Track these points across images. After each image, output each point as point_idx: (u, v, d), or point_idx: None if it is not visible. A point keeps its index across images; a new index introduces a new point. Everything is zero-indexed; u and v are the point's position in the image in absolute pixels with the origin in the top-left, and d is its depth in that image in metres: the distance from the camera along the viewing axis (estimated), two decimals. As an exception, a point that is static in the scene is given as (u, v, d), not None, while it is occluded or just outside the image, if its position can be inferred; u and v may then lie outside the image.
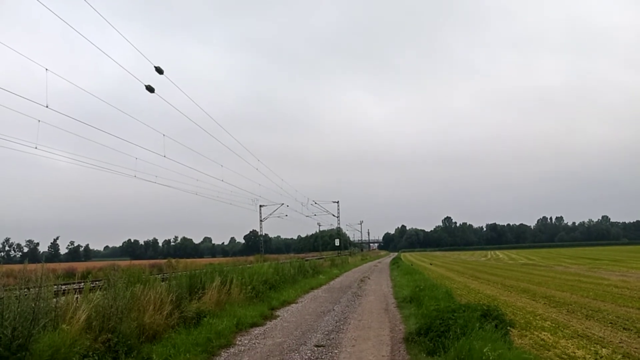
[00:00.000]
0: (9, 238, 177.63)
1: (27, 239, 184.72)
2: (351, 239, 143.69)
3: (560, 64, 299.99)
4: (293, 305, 16.24)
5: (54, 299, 7.41)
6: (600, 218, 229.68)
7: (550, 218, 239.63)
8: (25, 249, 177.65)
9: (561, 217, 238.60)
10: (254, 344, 9.75)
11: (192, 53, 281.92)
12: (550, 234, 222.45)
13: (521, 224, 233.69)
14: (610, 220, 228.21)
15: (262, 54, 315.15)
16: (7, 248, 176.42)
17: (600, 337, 9.37)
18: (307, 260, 37.81)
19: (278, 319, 13.15)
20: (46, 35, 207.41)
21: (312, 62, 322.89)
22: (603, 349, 8.29)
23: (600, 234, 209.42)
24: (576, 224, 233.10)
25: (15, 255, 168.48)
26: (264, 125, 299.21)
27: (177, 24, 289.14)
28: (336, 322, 12.25)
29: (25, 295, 6.44)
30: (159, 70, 15.12)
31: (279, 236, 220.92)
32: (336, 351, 8.90)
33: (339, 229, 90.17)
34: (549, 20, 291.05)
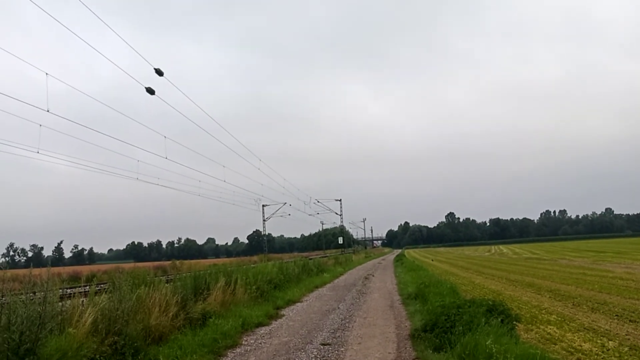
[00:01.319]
0: (13, 243, 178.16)
1: (32, 244, 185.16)
2: (354, 237, 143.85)
3: (560, 54, 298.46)
4: (298, 304, 16.25)
5: (60, 303, 7.42)
6: (604, 210, 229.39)
7: (554, 212, 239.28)
8: (30, 254, 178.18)
9: (564, 211, 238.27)
10: (260, 343, 9.77)
11: (185, 52, 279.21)
12: (553, 228, 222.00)
13: (524, 218, 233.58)
14: (614, 212, 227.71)
15: (257, 50, 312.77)
16: (11, 253, 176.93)
17: (606, 329, 9.36)
18: (311, 259, 37.82)
19: (283, 318, 13.16)
20: (38, 36, 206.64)
21: (307, 57, 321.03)
22: (610, 342, 8.28)
23: (604, 226, 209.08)
24: (580, 217, 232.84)
25: (19, 260, 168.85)
26: (261, 123, 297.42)
27: (169, 21, 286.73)
28: (342, 320, 12.26)
29: (32, 299, 6.46)
30: (159, 72, 15.12)
31: (282, 235, 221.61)
32: (342, 349, 8.91)
33: (342, 227, 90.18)
34: (546, 10, 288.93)
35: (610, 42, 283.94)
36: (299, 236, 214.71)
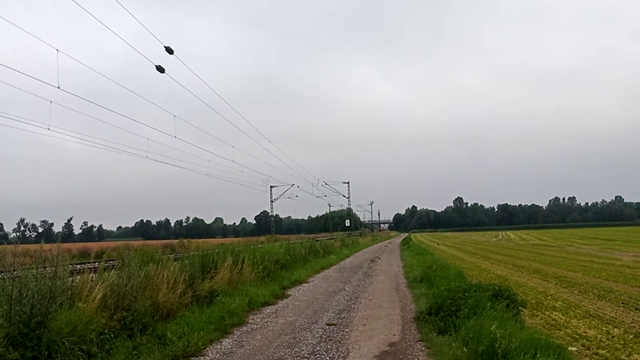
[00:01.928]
0: (24, 218, 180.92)
1: (42, 220, 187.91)
2: (361, 220, 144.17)
3: (572, 40, 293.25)
4: (304, 284, 16.39)
5: (70, 278, 7.53)
6: (614, 198, 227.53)
7: (563, 198, 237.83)
8: (40, 229, 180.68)
9: (574, 198, 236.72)
10: (266, 322, 9.88)
11: (191, 29, 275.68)
12: (562, 215, 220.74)
13: (533, 205, 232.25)
14: (624, 200, 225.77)
15: (264, 29, 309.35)
16: (22, 228, 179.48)
17: (612, 317, 9.35)
18: (317, 240, 38.01)
19: (289, 298, 13.29)
20: (46, 13, 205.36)
21: (316, 37, 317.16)
22: (615, 329, 8.28)
23: (613, 214, 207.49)
24: (589, 205, 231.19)
25: (30, 236, 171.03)
26: (268, 103, 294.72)
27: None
28: (347, 302, 12.35)
29: (42, 274, 6.55)
30: (169, 51, 15.01)
31: (290, 217, 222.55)
32: (347, 330, 8.99)
33: (349, 210, 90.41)
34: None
35: (624, 27, 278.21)
36: (306, 218, 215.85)
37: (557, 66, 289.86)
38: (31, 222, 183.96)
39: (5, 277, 6.16)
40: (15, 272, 6.23)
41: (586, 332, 8.07)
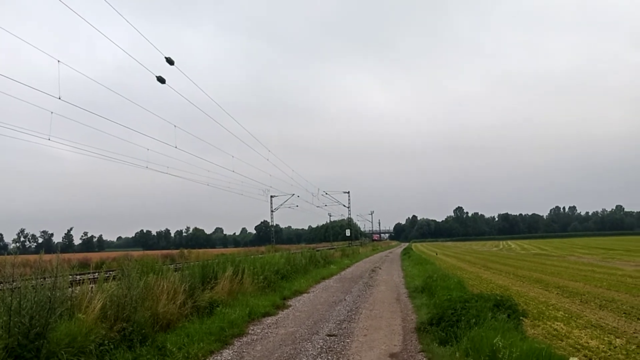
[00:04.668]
0: (24, 229, 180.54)
1: (42, 230, 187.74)
2: (362, 230, 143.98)
3: (571, 44, 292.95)
4: (305, 295, 16.31)
5: (70, 289, 7.51)
6: (614, 208, 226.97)
7: (563, 208, 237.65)
8: (40, 240, 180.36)
9: (574, 207, 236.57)
10: (267, 333, 9.83)
11: (184, 39, 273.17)
12: (563, 224, 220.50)
13: (533, 214, 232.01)
14: (625, 209, 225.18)
15: (258, 37, 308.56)
16: (22, 239, 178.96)
17: (614, 327, 9.30)
18: (318, 250, 37.91)
19: (290, 308, 13.23)
20: (29, 19, 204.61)
21: (311, 45, 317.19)
22: (617, 339, 8.23)
23: (614, 223, 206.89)
24: (590, 214, 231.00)
25: (30, 246, 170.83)
26: (264, 112, 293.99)
27: (166, 5, 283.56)
28: (348, 312, 12.29)
29: (42, 284, 6.54)
30: (170, 61, 15.11)
31: (290, 226, 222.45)
32: (348, 340, 8.94)
33: (349, 220, 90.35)
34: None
35: (623, 30, 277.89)
36: (306, 227, 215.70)
37: (557, 72, 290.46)
38: (31, 233, 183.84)
39: (4, 288, 6.15)
40: (14, 283, 6.21)
41: (588, 343, 8.02)
